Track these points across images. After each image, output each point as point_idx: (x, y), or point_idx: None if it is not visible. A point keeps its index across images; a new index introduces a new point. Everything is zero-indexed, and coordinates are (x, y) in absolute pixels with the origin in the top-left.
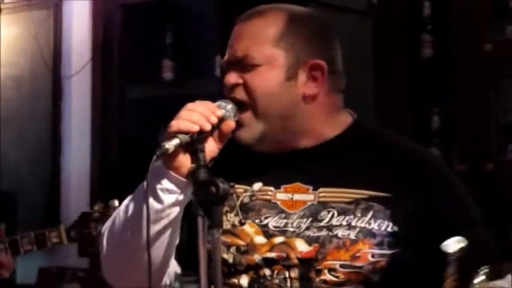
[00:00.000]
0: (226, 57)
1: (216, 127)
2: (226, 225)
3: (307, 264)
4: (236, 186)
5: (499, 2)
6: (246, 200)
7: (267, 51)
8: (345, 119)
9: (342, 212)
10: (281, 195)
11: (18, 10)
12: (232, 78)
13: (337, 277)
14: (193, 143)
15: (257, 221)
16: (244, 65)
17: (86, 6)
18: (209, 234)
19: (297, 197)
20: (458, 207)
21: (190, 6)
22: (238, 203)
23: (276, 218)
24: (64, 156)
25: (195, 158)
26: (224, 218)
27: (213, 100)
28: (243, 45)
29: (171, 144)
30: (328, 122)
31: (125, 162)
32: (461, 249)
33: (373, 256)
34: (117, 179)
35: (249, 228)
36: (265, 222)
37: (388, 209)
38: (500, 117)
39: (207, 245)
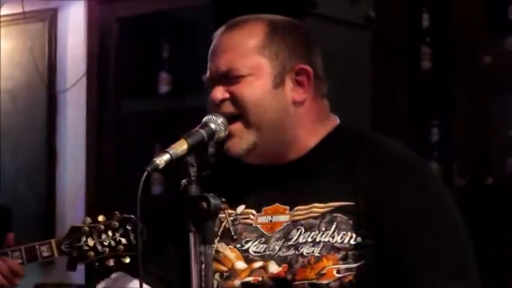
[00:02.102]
0: (208, 73)
1: (210, 140)
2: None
3: (282, 286)
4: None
5: (498, 14)
6: (228, 225)
7: (251, 62)
8: (329, 126)
9: (309, 228)
10: (261, 219)
11: (13, 23)
12: (218, 93)
13: None
14: (184, 158)
15: (238, 245)
16: (229, 78)
17: (81, 19)
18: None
19: (275, 218)
20: (422, 230)
21: (187, 19)
22: (220, 229)
23: (256, 242)
24: (59, 169)
25: (186, 173)
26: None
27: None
28: (226, 58)
29: (161, 160)
30: (314, 130)
31: (120, 175)
32: None
33: (338, 272)
34: (112, 192)
35: (230, 253)
36: (246, 246)
37: (350, 219)
38: (499, 131)
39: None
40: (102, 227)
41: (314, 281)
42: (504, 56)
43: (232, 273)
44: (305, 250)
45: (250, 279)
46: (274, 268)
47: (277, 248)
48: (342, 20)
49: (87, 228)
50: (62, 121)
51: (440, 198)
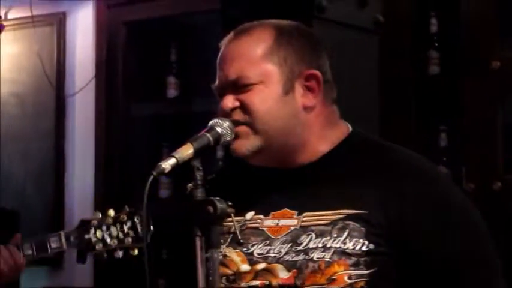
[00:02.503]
0: (217, 81)
1: (216, 144)
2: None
3: None
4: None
5: (506, 19)
6: (237, 229)
7: (260, 69)
8: (340, 132)
9: (320, 234)
10: (268, 222)
11: (21, 27)
12: (229, 102)
13: None
14: (190, 162)
15: (244, 249)
16: (239, 86)
17: (89, 23)
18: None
19: (282, 222)
20: (443, 236)
21: (194, 23)
22: (230, 235)
23: (261, 245)
24: (68, 173)
25: (192, 177)
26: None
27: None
28: (235, 66)
29: (167, 164)
30: (324, 135)
31: (128, 179)
32: None
33: (349, 278)
34: (120, 196)
35: (236, 257)
36: (251, 250)
37: (363, 227)
38: (508, 135)
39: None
40: (111, 220)
41: (324, 286)
42: None
43: (238, 276)
44: (315, 255)
45: (256, 283)
46: (283, 274)
47: (283, 251)
48: (349, 24)
49: (95, 221)
50: (71, 125)
51: (464, 202)
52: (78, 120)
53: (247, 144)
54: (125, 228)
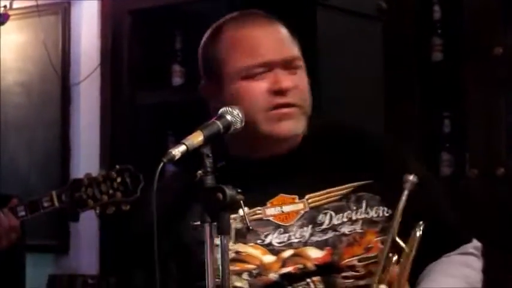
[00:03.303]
0: (268, 57)
1: (226, 131)
2: (231, 254)
3: (327, 268)
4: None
5: (509, 6)
6: (239, 225)
7: (296, 50)
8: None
9: (339, 210)
10: (270, 211)
11: (26, 16)
12: (289, 81)
13: (357, 271)
14: (200, 150)
15: (259, 241)
16: (292, 67)
17: (94, 12)
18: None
19: (287, 208)
20: (428, 179)
21: (199, 11)
22: (233, 233)
23: (276, 234)
24: (73, 162)
25: (202, 164)
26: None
27: None
28: (291, 47)
29: (177, 151)
30: None
31: (134, 167)
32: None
33: (382, 243)
34: None
35: (253, 250)
36: (267, 240)
37: (376, 194)
38: (510, 121)
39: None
40: (101, 178)
41: (363, 255)
42: None
43: (263, 268)
44: (346, 229)
45: (288, 269)
46: (316, 254)
47: (306, 234)
48: (353, 11)
49: (86, 180)
50: (76, 113)
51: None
52: (83, 108)
53: (297, 126)
54: (115, 184)
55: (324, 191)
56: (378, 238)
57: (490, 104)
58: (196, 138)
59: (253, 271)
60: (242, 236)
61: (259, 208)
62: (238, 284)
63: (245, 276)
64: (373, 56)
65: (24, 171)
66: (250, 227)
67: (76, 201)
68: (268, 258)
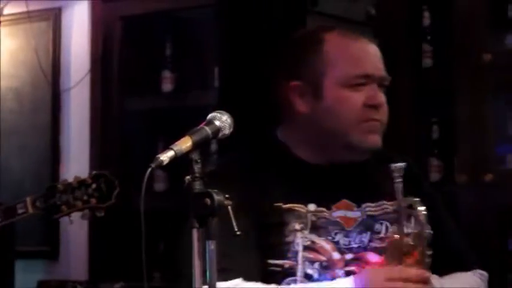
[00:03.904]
0: (369, 70)
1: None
2: (306, 242)
3: None
4: (296, 206)
5: (498, 12)
6: (314, 218)
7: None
8: None
9: (394, 222)
10: (337, 213)
11: (18, 22)
12: (382, 98)
13: None
14: (189, 155)
15: (329, 237)
16: (383, 85)
17: (85, 18)
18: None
19: (349, 214)
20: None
21: (190, 18)
22: (309, 222)
23: (341, 235)
24: (64, 167)
25: (190, 170)
26: (300, 235)
27: (212, 111)
28: (383, 66)
29: (166, 157)
30: None
31: (124, 173)
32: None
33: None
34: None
35: (325, 244)
36: (336, 238)
37: (424, 211)
38: (499, 127)
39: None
40: (76, 183)
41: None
42: (504, 53)
43: (331, 263)
44: None
45: (352, 268)
46: (375, 258)
47: (366, 240)
48: (342, 17)
49: (61, 186)
50: (66, 119)
51: None
52: (74, 114)
53: (381, 140)
54: (90, 190)
55: (379, 203)
56: (428, 252)
57: (478, 110)
58: (185, 143)
59: (323, 263)
60: (316, 228)
61: (324, 210)
62: (309, 271)
63: (316, 265)
64: None
65: (18, 176)
66: (238, 233)
67: (50, 208)
68: (336, 256)
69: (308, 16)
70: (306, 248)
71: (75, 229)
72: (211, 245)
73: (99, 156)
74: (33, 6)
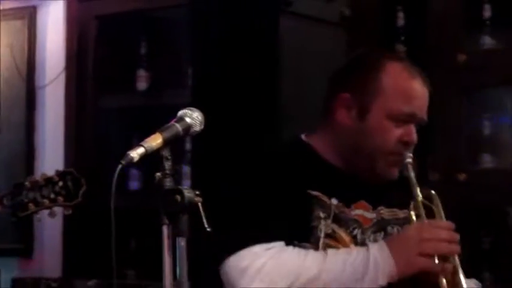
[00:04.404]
0: (416, 111)
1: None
2: (328, 230)
3: None
4: (321, 195)
5: (473, 12)
6: (337, 211)
7: None
8: None
9: (402, 226)
10: (356, 211)
11: None
12: (415, 138)
13: None
14: (159, 152)
15: (348, 230)
16: (419, 125)
17: (60, 17)
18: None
19: (366, 214)
20: None
21: (165, 17)
22: (332, 212)
23: (359, 231)
24: (38, 165)
25: (160, 167)
26: (323, 222)
27: None
28: (426, 110)
29: (136, 154)
30: None
31: (99, 171)
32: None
33: None
34: (90, 188)
35: (345, 236)
36: (354, 233)
37: None
38: (472, 127)
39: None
40: (43, 181)
41: None
42: (478, 54)
43: None
44: None
45: None
46: None
47: (379, 239)
48: (316, 18)
49: (28, 184)
50: (41, 117)
51: None
52: (49, 112)
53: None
54: (57, 188)
55: (392, 209)
56: None
57: (452, 109)
58: (155, 140)
59: None
60: (337, 220)
61: (345, 206)
62: None
63: None
64: (336, 62)
65: None
66: (208, 229)
67: (17, 205)
68: (352, 248)
69: (282, 16)
70: (327, 236)
71: (49, 227)
72: (181, 242)
73: (73, 154)
74: (8, 5)
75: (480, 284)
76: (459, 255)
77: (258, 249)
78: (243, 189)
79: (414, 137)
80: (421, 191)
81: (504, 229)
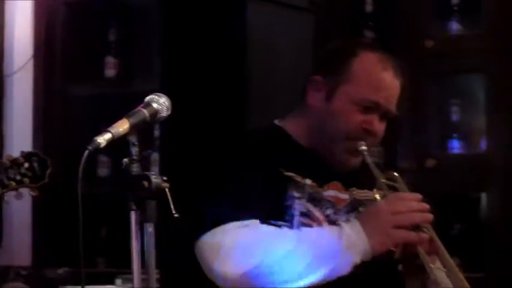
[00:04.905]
0: (381, 100)
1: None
2: (303, 209)
3: None
4: (296, 175)
5: None
6: (311, 191)
7: None
8: None
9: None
10: (329, 192)
11: None
12: (378, 128)
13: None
14: (126, 137)
15: (322, 209)
16: (386, 118)
17: (28, 3)
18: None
19: (340, 195)
20: None
21: (134, 4)
22: (306, 191)
23: (332, 211)
24: (6, 153)
25: (127, 152)
26: (298, 202)
27: None
28: (395, 104)
29: (103, 139)
30: None
31: (67, 159)
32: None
33: None
34: (59, 175)
35: (319, 215)
36: (327, 212)
37: None
38: (440, 113)
39: None
40: (8, 163)
41: None
42: (446, 40)
43: None
44: None
45: None
46: None
47: (352, 219)
48: (284, 3)
49: None
50: (9, 104)
51: None
52: (17, 100)
53: (358, 162)
54: (22, 169)
55: (364, 190)
56: None
57: (421, 96)
58: (122, 126)
59: None
60: (312, 200)
61: (318, 186)
62: None
63: None
64: (304, 48)
65: None
66: (176, 215)
67: None
68: (326, 226)
69: (249, 1)
70: (302, 214)
71: (18, 215)
72: (149, 228)
73: (42, 142)
74: None
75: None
76: (432, 224)
77: (231, 226)
78: (217, 170)
79: (376, 126)
80: (385, 174)
81: (474, 215)
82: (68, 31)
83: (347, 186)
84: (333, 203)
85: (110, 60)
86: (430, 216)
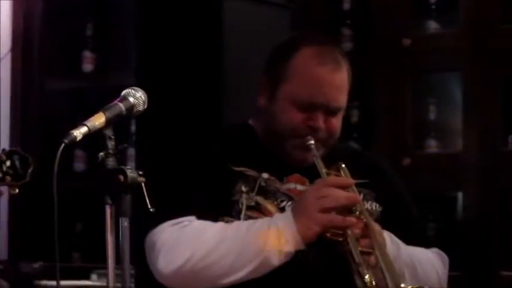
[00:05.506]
0: (317, 100)
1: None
2: (251, 203)
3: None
4: (247, 170)
5: None
6: (263, 183)
7: (345, 99)
8: None
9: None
10: (288, 185)
11: None
12: (322, 123)
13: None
14: (102, 131)
15: (275, 202)
16: (332, 112)
17: None
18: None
19: (300, 187)
20: (405, 194)
21: None
22: (257, 185)
23: (288, 204)
24: None
25: (103, 146)
26: (245, 196)
27: None
28: (340, 97)
29: (79, 132)
30: None
31: (44, 153)
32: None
33: None
34: (36, 170)
35: (271, 207)
36: (282, 205)
37: (372, 192)
38: (418, 112)
39: None
40: None
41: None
42: (424, 38)
43: None
44: None
45: None
46: None
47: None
48: (262, 0)
49: None
50: None
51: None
52: None
53: (310, 158)
54: (4, 167)
55: None
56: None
57: (397, 94)
58: (98, 119)
59: None
60: (263, 192)
61: (276, 180)
62: None
63: None
64: None
65: None
66: (151, 209)
67: None
68: (260, 219)
69: None
70: (250, 208)
71: None
72: (124, 222)
73: (19, 135)
74: None
75: (446, 257)
76: (363, 203)
77: (166, 225)
78: (171, 167)
79: (320, 122)
80: (333, 165)
81: (450, 214)
82: (46, 25)
83: (311, 178)
84: (290, 196)
85: (87, 54)
86: (356, 196)
